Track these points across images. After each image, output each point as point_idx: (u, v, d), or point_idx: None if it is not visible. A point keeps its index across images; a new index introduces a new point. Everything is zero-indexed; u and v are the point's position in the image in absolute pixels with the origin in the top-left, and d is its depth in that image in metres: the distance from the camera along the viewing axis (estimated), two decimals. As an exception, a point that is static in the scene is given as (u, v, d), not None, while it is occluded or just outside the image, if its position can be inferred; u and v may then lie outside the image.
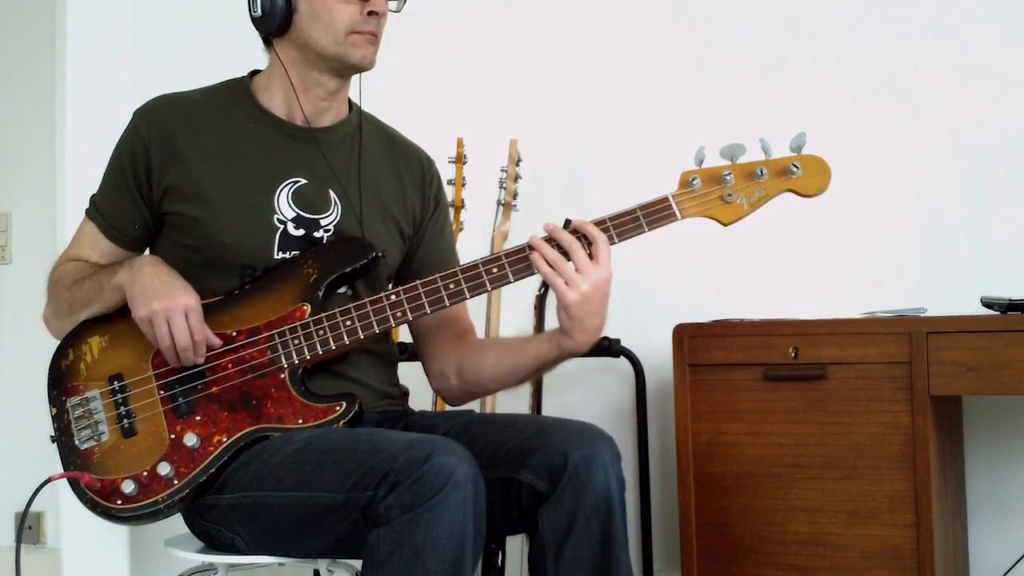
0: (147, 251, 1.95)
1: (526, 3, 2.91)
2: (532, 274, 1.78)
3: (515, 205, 2.62)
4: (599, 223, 1.77)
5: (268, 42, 1.91)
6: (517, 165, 2.62)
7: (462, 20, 2.93)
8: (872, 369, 2.16)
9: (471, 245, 2.57)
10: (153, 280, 1.76)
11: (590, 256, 1.74)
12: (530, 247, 1.77)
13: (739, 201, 1.79)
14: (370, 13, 1.82)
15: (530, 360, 1.87)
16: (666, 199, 1.79)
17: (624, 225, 1.77)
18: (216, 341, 1.78)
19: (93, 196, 1.93)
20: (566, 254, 1.75)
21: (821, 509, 2.19)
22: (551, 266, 1.75)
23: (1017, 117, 2.50)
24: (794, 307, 2.53)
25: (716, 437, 2.28)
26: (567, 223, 2.51)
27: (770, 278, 2.67)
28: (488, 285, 1.79)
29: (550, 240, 1.77)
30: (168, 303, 1.73)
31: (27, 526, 2.81)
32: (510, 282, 1.78)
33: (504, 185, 2.61)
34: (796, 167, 1.78)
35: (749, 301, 2.63)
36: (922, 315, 2.25)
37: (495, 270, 1.78)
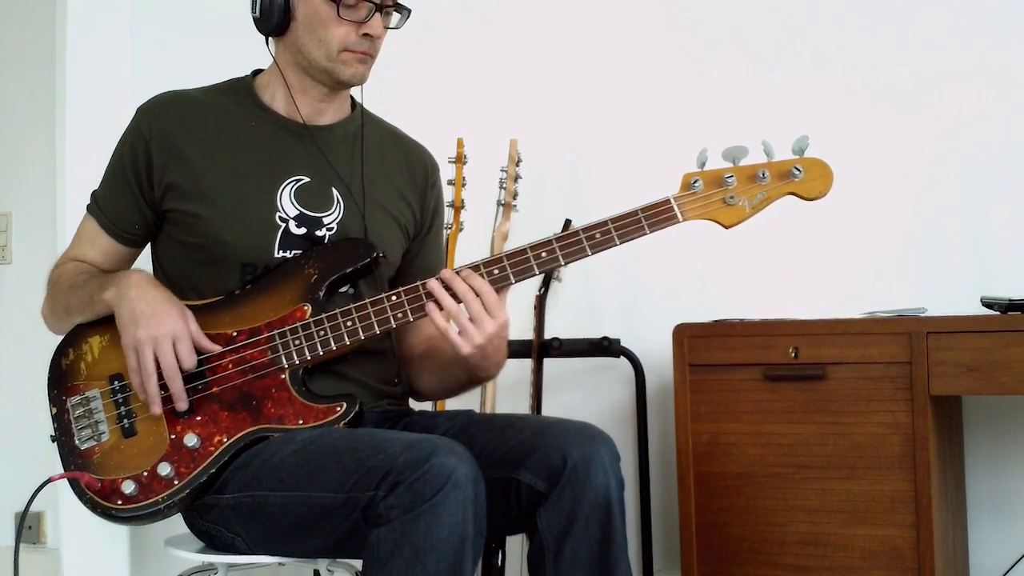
0: (148, 247, 1.95)
1: (526, 3, 2.91)
2: (533, 276, 1.78)
3: (515, 205, 2.62)
4: (600, 225, 1.77)
5: (269, 40, 1.92)
6: (517, 165, 2.62)
7: (462, 20, 2.93)
8: (872, 369, 2.16)
9: (471, 245, 2.57)
10: (139, 304, 1.74)
11: (484, 306, 1.73)
12: (427, 294, 1.76)
13: (741, 203, 1.78)
14: (365, 35, 1.83)
15: (453, 381, 1.92)
16: (668, 201, 1.78)
17: (626, 227, 1.77)
18: (213, 348, 1.77)
19: (94, 192, 1.93)
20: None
21: (821, 509, 2.19)
22: (446, 316, 1.74)
23: (1017, 117, 2.50)
24: (794, 307, 2.53)
25: (716, 437, 2.28)
26: (567, 224, 2.53)
27: (770, 278, 2.67)
28: None
29: (447, 288, 1.75)
30: (154, 331, 1.72)
31: (27, 526, 2.81)
32: (511, 284, 1.78)
33: (504, 185, 2.61)
34: (798, 170, 1.77)
35: (749, 301, 2.63)
36: (922, 315, 2.25)
37: (496, 271, 1.77)
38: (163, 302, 1.76)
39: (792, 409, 2.22)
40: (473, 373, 1.84)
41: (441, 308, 1.74)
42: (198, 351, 1.76)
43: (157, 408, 1.74)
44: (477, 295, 1.73)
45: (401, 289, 1.79)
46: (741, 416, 2.26)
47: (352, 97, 1.98)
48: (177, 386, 1.74)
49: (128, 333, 1.73)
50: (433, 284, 1.75)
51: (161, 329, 1.73)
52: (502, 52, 2.90)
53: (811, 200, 1.79)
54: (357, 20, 1.82)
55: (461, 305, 1.74)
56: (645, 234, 1.77)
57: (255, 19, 1.87)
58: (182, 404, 1.74)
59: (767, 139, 1.77)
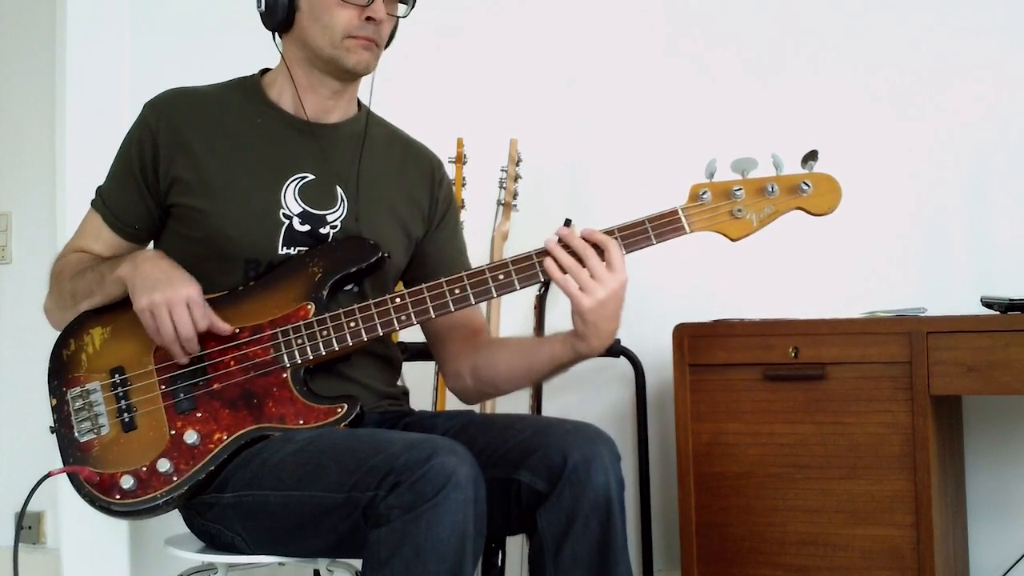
0: (151, 245, 1.95)
1: (527, 3, 2.91)
2: (538, 282, 1.78)
3: (515, 205, 2.62)
4: (607, 233, 1.76)
5: (277, 37, 1.91)
6: (517, 165, 2.62)
7: (463, 20, 2.93)
8: (872, 369, 2.16)
9: (471, 245, 2.56)
10: (154, 271, 1.75)
11: (604, 263, 1.73)
12: (544, 252, 1.75)
13: (748, 217, 1.77)
14: (368, 19, 1.82)
15: (544, 362, 1.87)
16: (676, 212, 1.77)
17: (632, 236, 1.76)
18: (225, 327, 1.76)
19: (99, 187, 1.93)
20: (580, 260, 1.74)
21: (821, 509, 2.19)
22: (565, 272, 1.73)
23: (1017, 117, 2.51)
24: (794, 307, 2.53)
25: (716, 437, 2.28)
26: (567, 223, 2.53)
27: (770, 278, 2.67)
28: (494, 292, 1.78)
29: (563, 245, 1.75)
30: (169, 293, 1.72)
31: (27, 526, 2.80)
32: (516, 290, 1.77)
33: (504, 185, 2.61)
34: (807, 185, 1.76)
35: (749, 301, 2.63)
36: (922, 315, 2.25)
37: (501, 277, 1.77)
38: (177, 268, 1.78)
39: (792, 409, 2.22)
40: (579, 345, 1.79)
41: (561, 267, 1.73)
42: (208, 330, 1.76)
43: (183, 358, 1.75)
44: (598, 250, 1.72)
45: (405, 291, 1.79)
46: (741, 416, 2.26)
47: (359, 99, 1.98)
48: (193, 348, 1.74)
49: (144, 297, 1.73)
50: (550, 242, 1.74)
51: (176, 293, 1.73)
52: (502, 52, 2.90)
53: (819, 215, 1.78)
54: (359, 3, 1.81)
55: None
56: (652, 244, 1.76)
57: (261, 14, 1.87)
58: (182, 359, 1.76)
59: (776, 151, 1.76)
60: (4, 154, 3.03)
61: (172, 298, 1.73)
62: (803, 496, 2.21)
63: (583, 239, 1.74)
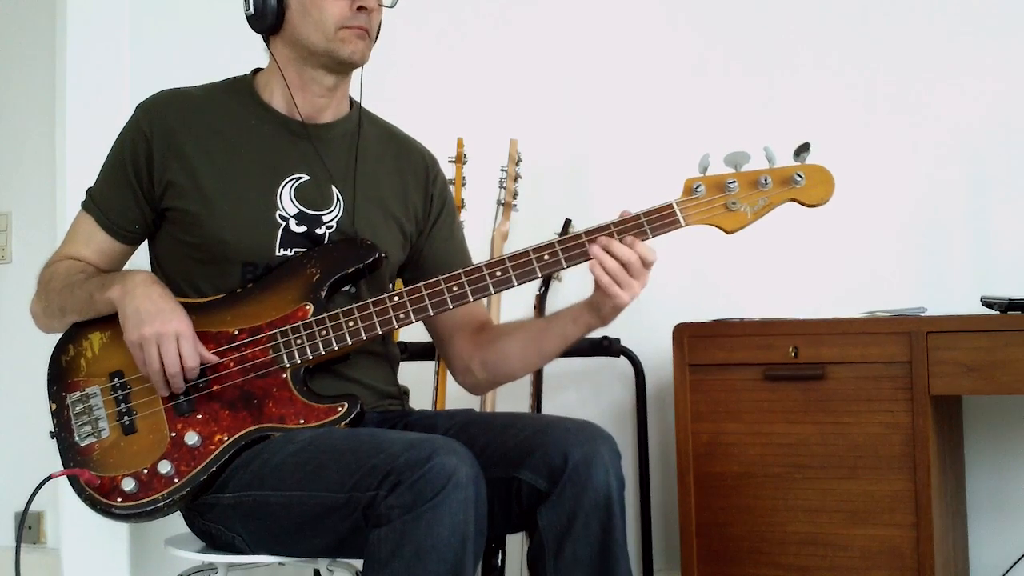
0: (143, 245, 1.95)
1: (527, 3, 2.91)
2: (535, 278, 1.79)
3: (515, 205, 2.62)
4: (603, 228, 1.77)
5: (267, 40, 1.91)
6: (517, 165, 2.63)
7: (462, 20, 2.93)
8: (872, 369, 2.16)
9: (471, 245, 2.57)
10: (145, 302, 1.75)
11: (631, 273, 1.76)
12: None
13: (743, 209, 1.78)
14: (359, 8, 1.82)
15: (556, 344, 1.90)
16: (670, 206, 1.78)
17: (628, 231, 1.77)
18: (212, 358, 1.77)
19: (90, 189, 1.92)
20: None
21: (821, 509, 2.19)
22: (608, 273, 1.76)
23: (1017, 117, 2.50)
24: (794, 307, 2.53)
25: (716, 437, 2.28)
26: (567, 224, 2.54)
27: (770, 278, 2.67)
28: (491, 288, 1.78)
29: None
30: (159, 328, 1.73)
31: (27, 526, 2.81)
32: (513, 286, 1.78)
33: (504, 185, 2.61)
34: (800, 176, 1.77)
35: (749, 301, 2.62)
36: (922, 315, 2.25)
37: (499, 273, 1.77)
38: (169, 300, 1.77)
39: (792, 409, 2.22)
40: (595, 324, 1.85)
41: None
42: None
43: (164, 392, 1.76)
44: (623, 265, 1.75)
45: (403, 290, 1.79)
46: (741, 416, 2.26)
47: (351, 97, 1.98)
48: (178, 385, 1.75)
49: (135, 330, 1.74)
50: (595, 250, 1.76)
51: (166, 327, 1.73)
52: (502, 52, 2.90)
53: (812, 206, 1.80)
54: None
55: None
56: (647, 238, 1.78)
57: (249, 17, 1.87)
58: (163, 392, 1.76)
59: (769, 144, 1.77)
60: (4, 154, 3.03)
61: (162, 333, 1.73)
62: (803, 496, 2.21)
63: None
